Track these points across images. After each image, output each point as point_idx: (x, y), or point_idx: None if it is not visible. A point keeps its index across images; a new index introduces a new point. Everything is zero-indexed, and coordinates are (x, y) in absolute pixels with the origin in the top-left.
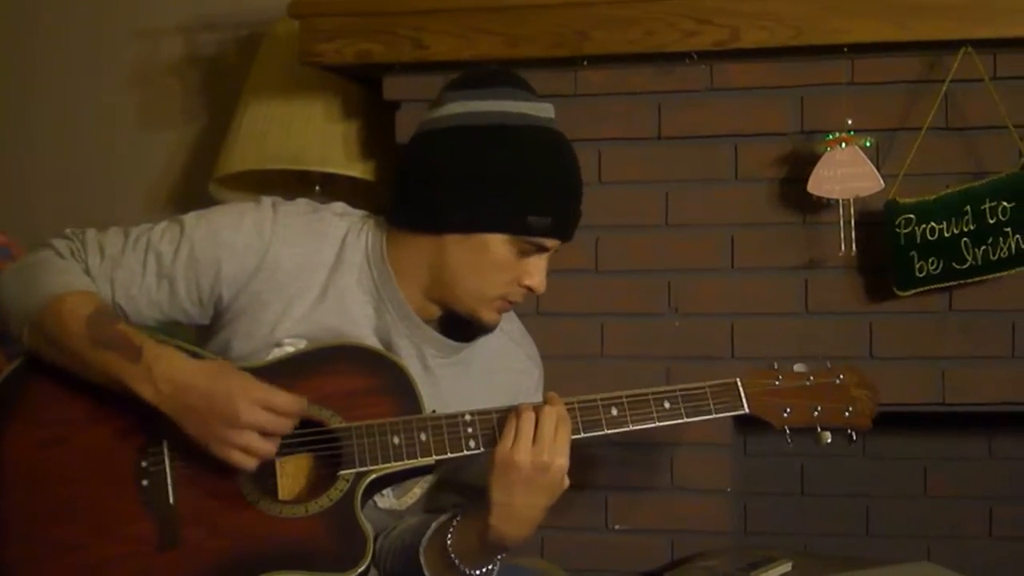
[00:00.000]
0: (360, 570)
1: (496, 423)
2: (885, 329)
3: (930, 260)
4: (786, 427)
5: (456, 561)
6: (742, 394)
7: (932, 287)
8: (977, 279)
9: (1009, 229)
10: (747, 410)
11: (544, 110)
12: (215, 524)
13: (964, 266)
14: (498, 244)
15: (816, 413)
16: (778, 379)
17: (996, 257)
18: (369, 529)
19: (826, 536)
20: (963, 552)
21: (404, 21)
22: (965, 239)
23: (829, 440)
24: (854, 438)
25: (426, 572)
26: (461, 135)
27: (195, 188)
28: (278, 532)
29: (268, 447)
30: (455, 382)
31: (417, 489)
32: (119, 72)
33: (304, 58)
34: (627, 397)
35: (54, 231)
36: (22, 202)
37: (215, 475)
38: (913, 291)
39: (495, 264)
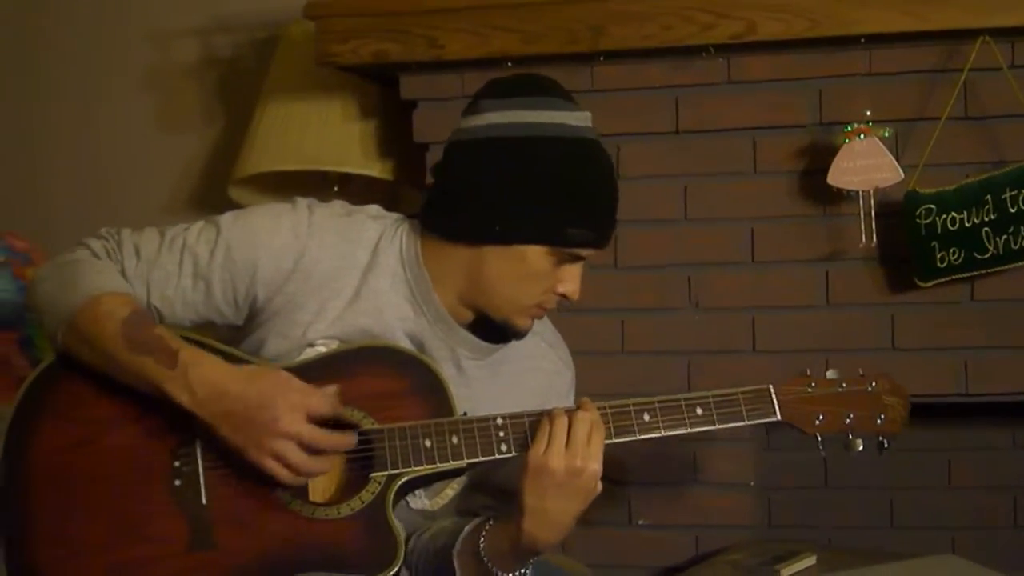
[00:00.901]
0: (392, 572)
1: (528, 427)
2: (907, 320)
3: (951, 250)
4: (817, 434)
5: (489, 565)
6: (775, 401)
7: (954, 277)
8: (999, 268)
9: None
10: (779, 417)
11: (582, 119)
12: (247, 525)
13: (985, 256)
14: (536, 255)
15: (848, 420)
16: (811, 386)
17: (1018, 246)
18: (400, 531)
19: (850, 529)
20: (988, 543)
21: (419, 20)
22: (986, 228)
23: (861, 448)
24: (886, 446)
25: (459, 575)
26: (500, 146)
27: (214, 190)
28: (310, 534)
29: (305, 460)
30: (488, 383)
31: (449, 491)
32: (136, 76)
33: (320, 59)
34: (659, 403)
35: (73, 236)
36: (42, 207)
37: (247, 476)
38: (935, 281)
39: (532, 274)
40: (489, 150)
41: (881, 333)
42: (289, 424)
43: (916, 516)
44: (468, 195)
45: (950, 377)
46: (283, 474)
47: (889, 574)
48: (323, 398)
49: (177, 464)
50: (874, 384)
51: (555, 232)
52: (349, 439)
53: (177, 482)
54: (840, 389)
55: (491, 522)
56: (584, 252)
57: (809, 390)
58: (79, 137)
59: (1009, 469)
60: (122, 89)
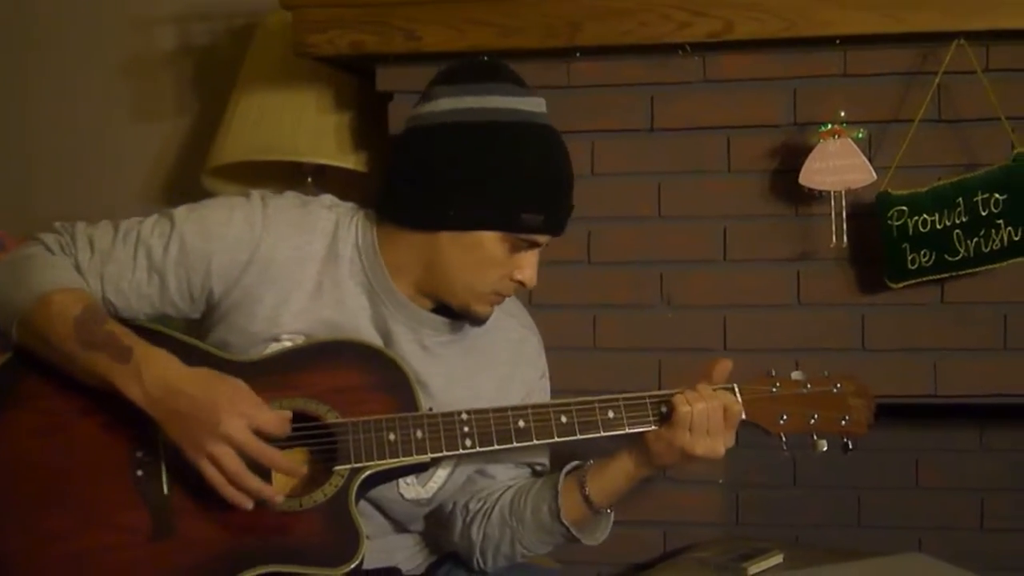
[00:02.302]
0: (352, 566)
1: (492, 422)
2: (877, 321)
3: (922, 252)
4: (781, 434)
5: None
6: (739, 399)
7: (924, 279)
8: (969, 271)
9: (1001, 221)
10: (743, 416)
11: (536, 104)
12: (208, 516)
13: (956, 258)
14: (492, 241)
15: (812, 421)
16: (776, 386)
17: (988, 249)
18: (362, 525)
19: (818, 527)
20: (955, 544)
21: (397, 12)
22: (957, 231)
23: (825, 448)
24: (850, 447)
25: (565, 521)
26: (453, 132)
27: (188, 179)
28: (272, 526)
29: (239, 467)
30: (459, 359)
31: (440, 472)
32: (112, 62)
33: (297, 49)
34: (624, 400)
35: (47, 222)
36: (16, 194)
37: None
38: (905, 283)
39: (488, 261)
40: (442, 136)
41: (851, 333)
42: (229, 428)
43: (883, 516)
44: (422, 181)
45: (919, 378)
46: (216, 478)
47: (856, 572)
48: (274, 417)
49: (139, 454)
50: (839, 386)
51: (509, 218)
52: (290, 463)
53: (139, 472)
54: (805, 390)
55: (582, 471)
56: (539, 238)
57: (774, 390)
58: (54, 124)
59: (976, 470)
60: (97, 76)
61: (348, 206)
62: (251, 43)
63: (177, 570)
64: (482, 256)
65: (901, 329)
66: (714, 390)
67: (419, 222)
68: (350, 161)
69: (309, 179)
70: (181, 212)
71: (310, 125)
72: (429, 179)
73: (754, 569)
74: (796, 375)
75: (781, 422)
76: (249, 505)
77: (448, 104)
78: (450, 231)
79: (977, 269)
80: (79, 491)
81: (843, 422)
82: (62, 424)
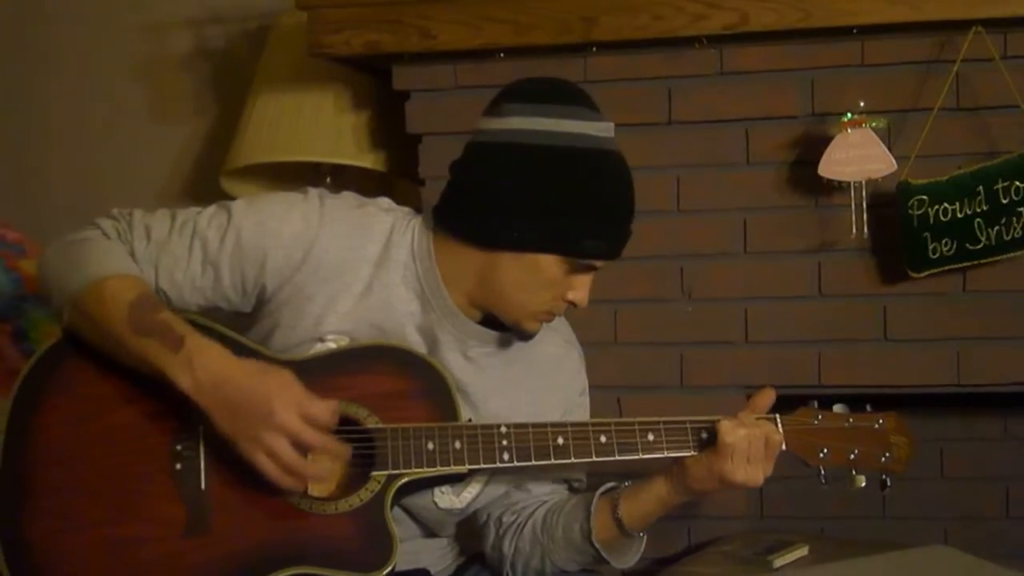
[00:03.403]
0: (385, 572)
1: (531, 436)
2: (899, 311)
3: (943, 241)
4: (821, 467)
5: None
6: (780, 430)
7: (946, 268)
8: (991, 259)
9: (1022, 209)
10: (784, 447)
11: (604, 129)
12: (244, 514)
13: (977, 246)
14: (550, 264)
15: (852, 456)
16: (817, 418)
17: (1009, 237)
18: (396, 532)
19: (842, 519)
20: (980, 533)
21: (412, 10)
22: (978, 219)
23: (863, 484)
24: (888, 484)
25: (596, 542)
26: (522, 153)
27: (206, 181)
28: (306, 527)
29: (295, 458)
30: (499, 371)
31: (475, 484)
32: (128, 66)
33: (313, 49)
34: (663, 424)
35: (66, 227)
36: (35, 198)
37: (247, 465)
38: (927, 272)
39: (545, 282)
40: (510, 155)
41: (873, 324)
42: (284, 419)
43: (908, 506)
44: (486, 198)
45: (942, 368)
46: (272, 470)
47: (881, 564)
48: (324, 407)
49: (179, 448)
50: (880, 422)
51: (571, 243)
52: (344, 448)
53: (178, 465)
54: (847, 424)
55: (616, 493)
56: (598, 264)
57: (815, 422)
58: (72, 127)
59: (1001, 460)
60: (114, 79)
61: (405, 211)
62: (267, 44)
63: (209, 566)
64: (539, 278)
65: (923, 319)
66: (756, 419)
67: (479, 238)
68: (368, 161)
69: (328, 179)
70: (239, 205)
71: (327, 125)
72: (494, 198)
73: (779, 562)
74: (839, 408)
75: (821, 455)
76: (303, 487)
77: (518, 123)
78: (510, 251)
79: (999, 257)
80: (116, 480)
81: (883, 459)
82: (103, 412)
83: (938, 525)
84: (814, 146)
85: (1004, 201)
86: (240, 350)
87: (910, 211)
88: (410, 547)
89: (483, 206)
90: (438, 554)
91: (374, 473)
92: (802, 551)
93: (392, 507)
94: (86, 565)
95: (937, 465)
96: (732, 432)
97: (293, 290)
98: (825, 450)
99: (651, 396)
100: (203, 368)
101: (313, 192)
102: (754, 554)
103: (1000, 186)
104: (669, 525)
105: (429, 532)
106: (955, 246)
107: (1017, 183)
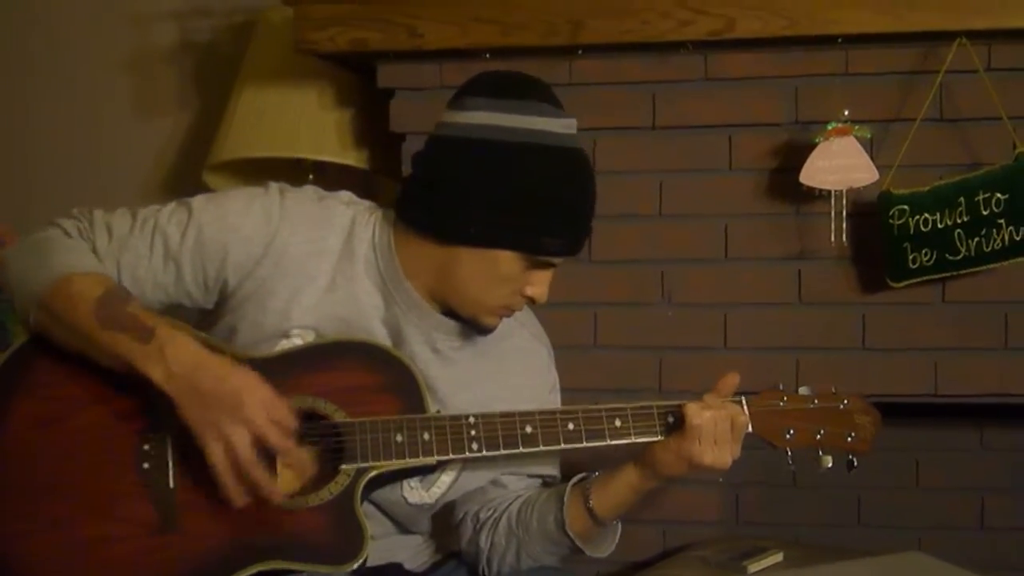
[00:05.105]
0: (356, 565)
1: (499, 426)
2: (878, 320)
3: (923, 251)
4: (787, 448)
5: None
6: (745, 412)
7: (925, 278)
8: (970, 270)
9: (1002, 220)
10: (750, 428)
11: (567, 126)
12: (214, 511)
13: (957, 257)
14: (509, 260)
15: (818, 436)
16: (783, 400)
17: (989, 248)
18: (367, 524)
19: (818, 527)
20: (954, 543)
21: (399, 9)
22: (958, 230)
23: (830, 464)
24: (855, 464)
25: (570, 532)
26: (485, 149)
27: (189, 175)
28: (276, 522)
29: (250, 455)
30: (468, 364)
31: (445, 477)
32: (113, 59)
33: (298, 46)
34: (631, 409)
35: (47, 219)
36: (15, 189)
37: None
38: (906, 282)
39: (502, 277)
40: (471, 150)
41: (852, 332)
42: (252, 414)
43: (883, 515)
44: (446, 193)
45: (919, 377)
46: (221, 462)
47: (856, 571)
48: (289, 414)
49: (147, 447)
50: (846, 402)
51: (529, 240)
52: (303, 453)
53: (145, 465)
54: (812, 406)
55: (587, 483)
56: (557, 260)
57: (781, 404)
58: (55, 120)
59: (976, 470)
60: (98, 73)
61: (366, 204)
62: (252, 39)
63: (179, 564)
64: (497, 273)
65: (902, 328)
66: (722, 401)
67: (438, 232)
68: (351, 158)
69: (310, 176)
70: (199, 201)
71: (311, 122)
72: (453, 192)
73: (754, 567)
74: (803, 390)
75: (787, 436)
76: (241, 502)
77: (481, 118)
78: (469, 246)
79: (978, 269)
80: (84, 481)
81: (849, 439)
82: (70, 413)
83: (913, 534)
84: (797, 154)
85: (985, 212)
86: (206, 347)
87: (891, 221)
88: (384, 544)
89: (443, 200)
90: (413, 551)
91: (343, 467)
92: (777, 557)
93: (363, 501)
94: (55, 565)
95: (912, 474)
96: (698, 414)
97: (255, 285)
98: (792, 431)
99: (630, 400)
100: (174, 357)
101: (274, 186)
102: (729, 559)
103: (981, 197)
104: (644, 530)
105: (403, 529)
106: (935, 256)
107: (998, 195)
